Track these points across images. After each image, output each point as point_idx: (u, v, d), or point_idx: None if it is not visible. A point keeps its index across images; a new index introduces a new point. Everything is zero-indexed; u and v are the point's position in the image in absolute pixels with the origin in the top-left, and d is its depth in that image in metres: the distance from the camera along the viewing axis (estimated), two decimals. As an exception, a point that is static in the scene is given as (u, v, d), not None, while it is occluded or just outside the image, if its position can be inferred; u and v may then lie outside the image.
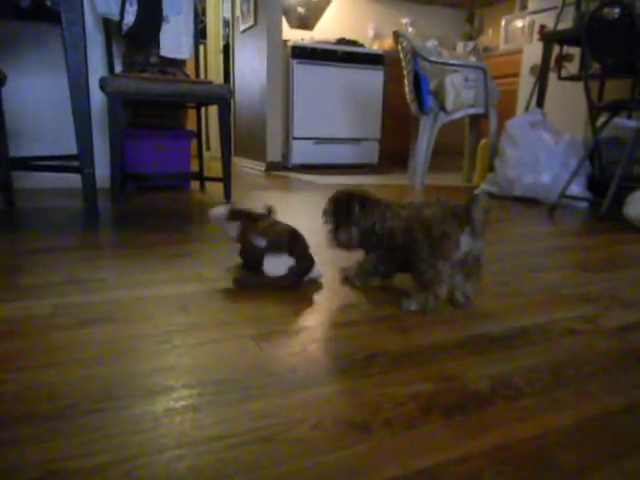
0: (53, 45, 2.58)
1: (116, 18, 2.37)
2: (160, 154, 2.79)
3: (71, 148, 2.55)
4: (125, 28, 2.40)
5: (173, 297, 1.06)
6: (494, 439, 0.60)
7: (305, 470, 0.53)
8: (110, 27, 2.56)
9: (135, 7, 2.35)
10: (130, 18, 2.35)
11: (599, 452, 0.59)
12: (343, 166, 4.54)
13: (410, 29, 5.14)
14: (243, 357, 0.79)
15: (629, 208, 2.04)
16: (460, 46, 5.21)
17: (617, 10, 2.38)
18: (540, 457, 0.57)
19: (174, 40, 2.55)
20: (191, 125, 3.05)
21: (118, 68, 2.71)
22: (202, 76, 5.52)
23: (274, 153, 4.23)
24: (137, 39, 2.52)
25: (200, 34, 3.23)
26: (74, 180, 2.57)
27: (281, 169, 4.27)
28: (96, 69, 2.60)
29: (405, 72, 3.17)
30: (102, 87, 2.11)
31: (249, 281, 1.18)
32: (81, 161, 1.78)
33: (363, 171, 4.39)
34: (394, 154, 4.74)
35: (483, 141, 3.34)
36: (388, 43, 4.70)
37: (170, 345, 0.82)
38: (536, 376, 0.76)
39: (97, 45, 2.65)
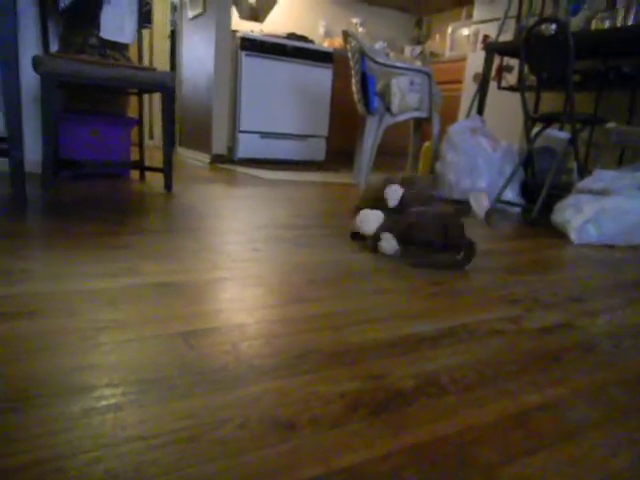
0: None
1: (53, -6, 2.25)
2: (97, 141, 2.67)
3: (-1, 129, 2.40)
4: (62, 5, 2.28)
5: (102, 291, 1.02)
6: (416, 437, 0.62)
7: (227, 470, 0.53)
8: (46, 4, 2.42)
9: (74, -16, 2.24)
10: (68, -5, 2.23)
11: (513, 448, 0.62)
12: (290, 162, 4.53)
13: (360, 29, 5.19)
14: (171, 355, 0.77)
15: (556, 215, 2.16)
16: (408, 50, 5.32)
17: (553, 26, 2.51)
18: (458, 454, 0.60)
19: (116, 22, 2.45)
20: (133, 112, 2.94)
21: (55, 48, 2.57)
22: (147, 62, 5.33)
23: (219, 145, 4.16)
24: (75, 18, 2.39)
25: (145, 18, 3.12)
26: (1, 163, 2.42)
27: (226, 162, 4.21)
28: (30, 47, 2.46)
29: (353, 72, 3.20)
30: (35, 66, 1.99)
31: (423, 261, 1.44)
32: (9, 143, 1.68)
33: (309, 168, 4.40)
34: (341, 152, 4.78)
35: (426, 144, 3.43)
36: (338, 41, 4.73)
37: (95, 342, 0.79)
38: (460, 375, 0.79)
39: (31, 22, 2.50)
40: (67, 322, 0.86)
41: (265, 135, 4.33)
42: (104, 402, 0.63)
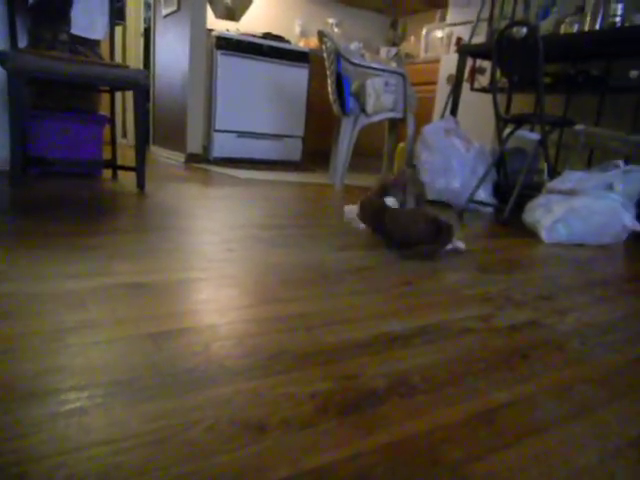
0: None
1: (20, -11, 2.19)
2: (68, 138, 2.62)
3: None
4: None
5: (72, 292, 1.00)
6: (387, 436, 0.62)
7: (196, 472, 0.52)
8: (14, -2, 2.36)
9: (43, -21, 2.19)
10: (37, -10, 2.18)
11: (481, 445, 0.63)
12: (266, 162, 4.51)
13: (336, 29, 5.20)
14: (141, 356, 0.76)
15: (527, 215, 2.20)
16: (383, 51, 5.35)
17: (524, 30, 2.55)
18: (429, 452, 0.60)
19: (87, 18, 2.40)
20: (106, 109, 2.89)
21: (24, 44, 2.50)
22: (120, 59, 5.25)
23: (194, 144, 4.12)
24: (44, 13, 2.34)
25: (118, 14, 3.05)
26: (-33, 162, 2.35)
27: (202, 161, 4.16)
28: (-4, 42, 2.39)
29: (328, 72, 3.21)
30: (2, 62, 1.94)
31: (409, 253, 1.56)
32: (-27, 142, 1.63)
33: (286, 168, 4.39)
34: (317, 152, 4.78)
35: (401, 145, 3.46)
36: (314, 41, 4.73)
37: (62, 344, 0.77)
38: (431, 374, 0.80)
39: (-2, 16, 2.43)
40: (34, 324, 0.83)
41: (241, 134, 4.31)
42: (69, 406, 0.61)
